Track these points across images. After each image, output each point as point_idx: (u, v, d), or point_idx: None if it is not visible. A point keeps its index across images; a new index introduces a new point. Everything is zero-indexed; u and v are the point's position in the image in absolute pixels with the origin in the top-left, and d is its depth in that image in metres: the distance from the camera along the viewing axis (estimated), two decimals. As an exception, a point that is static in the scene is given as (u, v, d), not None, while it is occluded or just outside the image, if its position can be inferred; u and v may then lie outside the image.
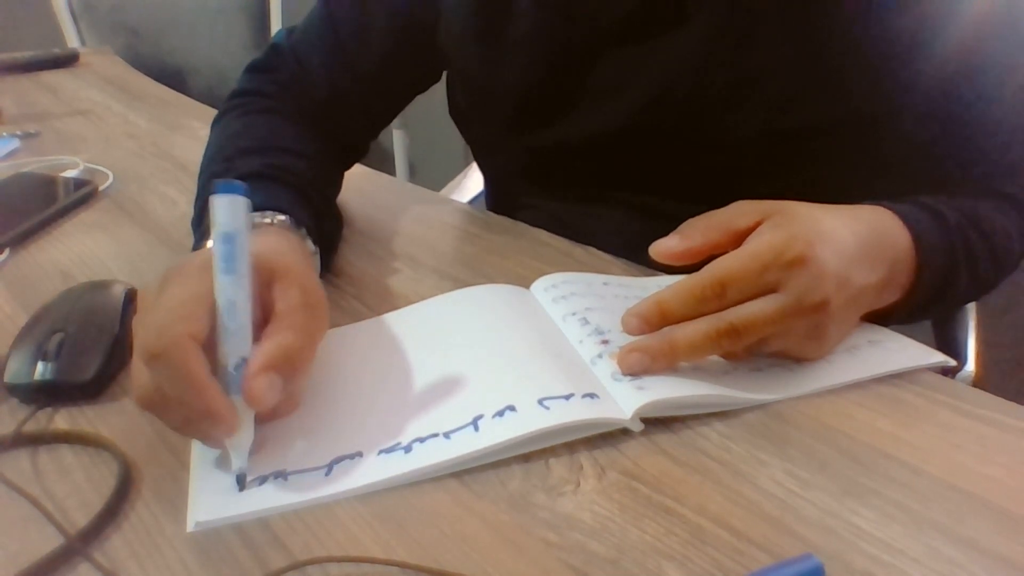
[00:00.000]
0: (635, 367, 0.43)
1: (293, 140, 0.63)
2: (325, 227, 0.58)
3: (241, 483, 0.38)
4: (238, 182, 0.38)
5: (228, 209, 0.37)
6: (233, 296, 0.37)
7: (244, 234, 0.38)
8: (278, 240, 0.46)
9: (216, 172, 0.57)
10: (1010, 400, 0.44)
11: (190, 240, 0.65)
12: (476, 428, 0.40)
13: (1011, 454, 0.40)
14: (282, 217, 0.50)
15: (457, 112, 0.74)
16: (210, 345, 0.37)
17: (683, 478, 0.39)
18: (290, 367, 0.38)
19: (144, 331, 0.37)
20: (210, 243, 0.41)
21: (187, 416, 0.37)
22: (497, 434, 0.40)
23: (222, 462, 0.39)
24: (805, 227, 0.44)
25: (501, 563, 0.34)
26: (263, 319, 0.40)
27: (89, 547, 0.35)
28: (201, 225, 0.53)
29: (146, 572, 0.34)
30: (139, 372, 0.37)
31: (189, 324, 0.36)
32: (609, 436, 0.41)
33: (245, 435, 0.38)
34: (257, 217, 0.49)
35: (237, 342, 0.37)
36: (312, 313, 0.40)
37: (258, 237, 0.43)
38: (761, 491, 0.38)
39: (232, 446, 0.38)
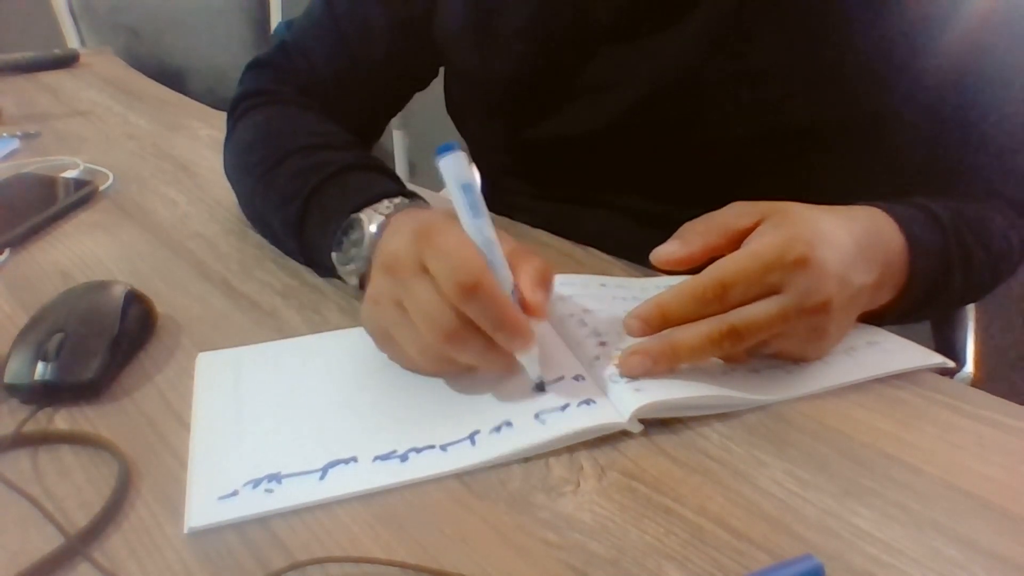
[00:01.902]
0: (636, 369, 0.43)
1: (345, 134, 0.65)
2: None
3: (541, 387, 0.43)
4: (452, 142, 0.42)
5: (458, 165, 0.42)
6: (489, 234, 0.42)
7: (476, 181, 0.42)
8: (431, 208, 0.52)
9: (303, 168, 0.59)
10: (1010, 400, 0.44)
11: (191, 240, 0.65)
12: (473, 443, 0.40)
13: (1011, 454, 0.40)
14: (399, 199, 0.53)
15: (453, 107, 0.74)
16: None
17: (683, 478, 0.39)
18: (548, 282, 0.44)
19: (448, 274, 0.40)
20: (368, 229, 0.50)
21: (483, 348, 0.41)
22: (494, 449, 0.40)
23: (218, 462, 0.39)
24: (805, 228, 0.44)
25: (501, 563, 0.34)
26: None
27: (89, 547, 0.35)
28: (306, 222, 0.57)
29: (146, 572, 0.34)
30: (441, 316, 0.40)
31: (481, 259, 0.41)
32: (609, 437, 0.41)
33: (535, 348, 0.43)
34: (396, 202, 0.52)
35: (505, 272, 0.42)
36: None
37: (421, 212, 0.48)
38: (761, 491, 0.38)
39: (526, 360, 0.43)
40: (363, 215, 0.52)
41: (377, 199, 0.52)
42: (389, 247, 0.44)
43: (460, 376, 0.45)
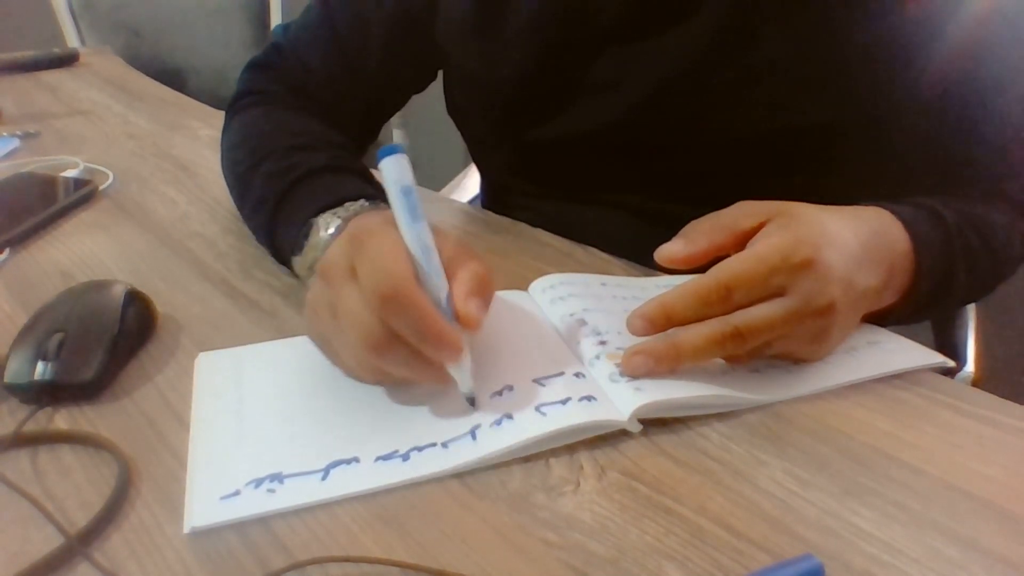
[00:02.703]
0: (639, 369, 0.43)
1: (331, 135, 0.65)
2: None
3: (472, 402, 0.42)
4: (396, 144, 0.41)
5: (399, 167, 0.41)
6: (426, 240, 0.41)
7: (415, 185, 0.41)
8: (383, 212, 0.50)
9: (276, 171, 0.59)
10: (1010, 400, 0.44)
11: (190, 240, 0.65)
12: (474, 437, 0.40)
13: (1011, 454, 0.40)
14: (360, 202, 0.53)
15: (455, 109, 0.74)
16: None
17: (683, 478, 0.39)
18: (485, 291, 0.42)
19: (370, 282, 0.39)
20: (325, 233, 0.50)
21: (412, 358, 0.40)
22: (495, 443, 0.40)
23: (219, 462, 0.39)
24: (811, 229, 0.44)
25: (501, 563, 0.34)
26: None
27: (89, 547, 0.35)
28: (277, 227, 0.56)
29: (146, 572, 0.34)
30: (367, 324, 0.39)
31: (407, 267, 0.39)
32: (609, 436, 0.41)
33: (466, 359, 0.41)
34: (354, 207, 0.52)
35: (439, 280, 0.41)
36: (473, 249, 0.44)
37: (372, 216, 0.46)
38: (761, 491, 0.38)
39: (457, 372, 0.41)
40: (320, 219, 0.52)
41: (339, 202, 0.52)
42: (328, 253, 0.43)
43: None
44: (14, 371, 0.45)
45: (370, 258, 0.39)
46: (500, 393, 0.43)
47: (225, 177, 0.68)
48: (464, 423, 0.41)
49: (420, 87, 0.75)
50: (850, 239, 0.45)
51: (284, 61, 0.72)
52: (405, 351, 0.39)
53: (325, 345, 0.44)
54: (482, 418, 0.41)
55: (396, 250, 0.40)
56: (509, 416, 0.41)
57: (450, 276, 0.42)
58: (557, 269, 0.57)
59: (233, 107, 0.71)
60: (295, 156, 0.60)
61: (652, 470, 0.39)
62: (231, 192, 0.67)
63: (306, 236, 0.52)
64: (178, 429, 0.42)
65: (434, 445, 0.40)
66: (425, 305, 0.38)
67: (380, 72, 0.70)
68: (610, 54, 0.61)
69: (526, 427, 0.40)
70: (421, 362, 0.40)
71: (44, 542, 0.35)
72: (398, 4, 0.67)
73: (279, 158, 0.60)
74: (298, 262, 0.53)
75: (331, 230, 0.51)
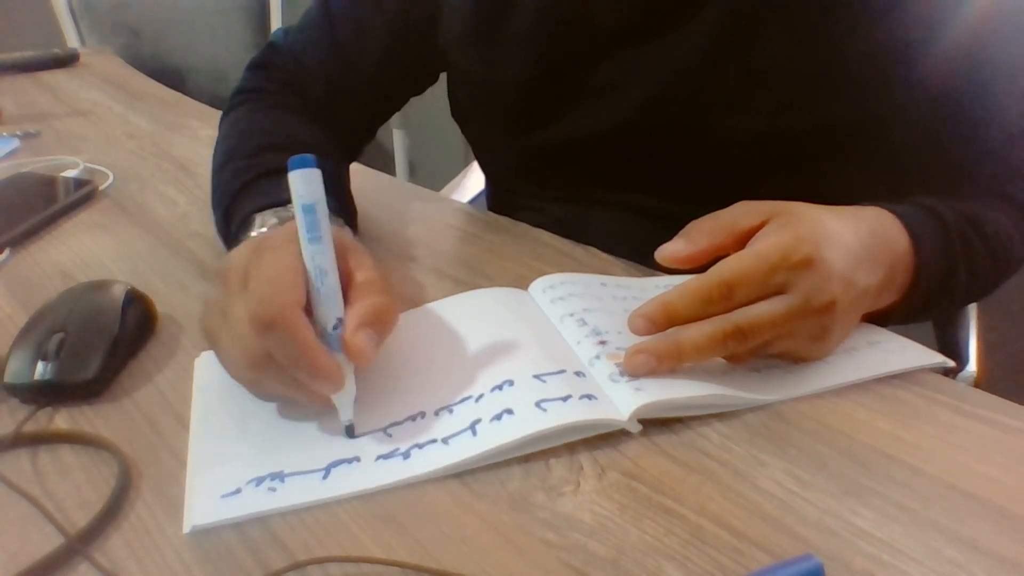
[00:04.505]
0: (640, 368, 0.43)
1: (307, 135, 0.65)
2: (351, 217, 0.62)
3: (351, 433, 0.41)
4: (309, 156, 0.40)
5: (305, 182, 0.39)
6: (322, 263, 0.40)
7: (323, 203, 0.40)
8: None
9: (239, 169, 0.59)
10: (1010, 400, 0.44)
11: (190, 240, 0.65)
12: (474, 433, 0.40)
13: (1011, 454, 0.40)
14: None
15: (458, 112, 0.74)
16: (305, 310, 0.39)
17: (683, 478, 0.39)
18: (382, 324, 0.41)
19: (251, 303, 0.38)
20: (258, 231, 0.49)
21: (291, 379, 0.39)
22: (495, 438, 0.40)
23: (220, 461, 0.39)
24: (811, 228, 0.44)
25: (501, 563, 0.34)
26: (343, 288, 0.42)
27: (89, 547, 0.35)
28: (230, 223, 0.56)
29: (146, 572, 0.34)
30: (247, 340, 0.38)
31: (292, 292, 0.38)
32: (609, 436, 0.41)
33: (349, 389, 0.40)
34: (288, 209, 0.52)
35: (331, 305, 0.40)
36: (388, 281, 0.43)
37: (288, 227, 0.44)
38: (761, 491, 0.38)
39: (338, 401, 0.40)
40: (258, 217, 0.52)
41: (282, 203, 0.52)
42: (230, 255, 0.42)
43: (457, 369, 0.45)
44: (14, 371, 0.45)
45: (261, 277, 0.38)
46: (500, 387, 0.43)
47: None
48: (465, 418, 0.41)
49: (419, 91, 0.74)
50: (850, 238, 0.45)
51: (280, 61, 0.72)
52: (283, 372, 0.39)
53: (213, 346, 0.43)
54: (482, 412, 0.41)
55: (288, 271, 0.39)
56: (510, 411, 0.41)
57: (353, 304, 0.41)
58: (557, 269, 0.57)
59: (227, 106, 0.72)
60: (261, 155, 0.60)
61: (652, 470, 0.39)
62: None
63: (246, 231, 0.52)
64: (178, 429, 0.42)
65: (435, 441, 0.40)
66: (303, 336, 0.37)
67: (378, 76, 0.70)
68: (612, 57, 0.61)
69: (527, 422, 0.40)
70: (297, 385, 0.39)
71: (44, 542, 0.35)
72: (399, 10, 0.67)
73: (246, 156, 0.60)
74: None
75: (264, 229, 0.51)
